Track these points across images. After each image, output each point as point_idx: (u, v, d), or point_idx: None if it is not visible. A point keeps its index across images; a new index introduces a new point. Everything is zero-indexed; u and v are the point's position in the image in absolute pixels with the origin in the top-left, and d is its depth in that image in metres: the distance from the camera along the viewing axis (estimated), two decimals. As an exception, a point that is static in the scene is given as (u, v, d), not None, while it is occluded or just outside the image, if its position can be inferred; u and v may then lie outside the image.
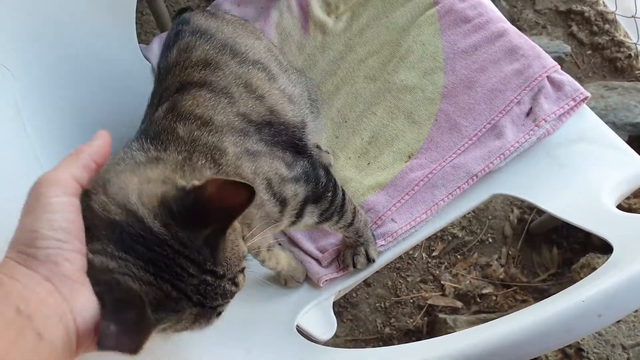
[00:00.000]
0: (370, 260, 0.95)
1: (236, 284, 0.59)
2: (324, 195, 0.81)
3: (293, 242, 1.04)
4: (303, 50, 1.22)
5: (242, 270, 0.60)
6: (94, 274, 0.51)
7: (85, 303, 0.49)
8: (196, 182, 0.54)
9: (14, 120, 0.83)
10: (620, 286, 0.56)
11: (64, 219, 0.51)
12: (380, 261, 0.97)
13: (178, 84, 0.75)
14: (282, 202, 0.74)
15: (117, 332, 0.47)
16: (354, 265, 0.95)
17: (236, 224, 0.60)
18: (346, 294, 1.45)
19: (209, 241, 0.55)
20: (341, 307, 1.49)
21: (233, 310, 0.75)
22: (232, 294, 0.59)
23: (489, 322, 0.63)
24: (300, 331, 0.90)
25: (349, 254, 0.95)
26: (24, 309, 0.46)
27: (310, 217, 0.81)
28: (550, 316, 0.56)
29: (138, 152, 0.64)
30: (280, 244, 1.04)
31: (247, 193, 0.53)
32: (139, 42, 1.25)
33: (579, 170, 0.91)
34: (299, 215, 0.78)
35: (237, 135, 0.71)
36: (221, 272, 0.56)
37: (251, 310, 0.82)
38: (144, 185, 0.57)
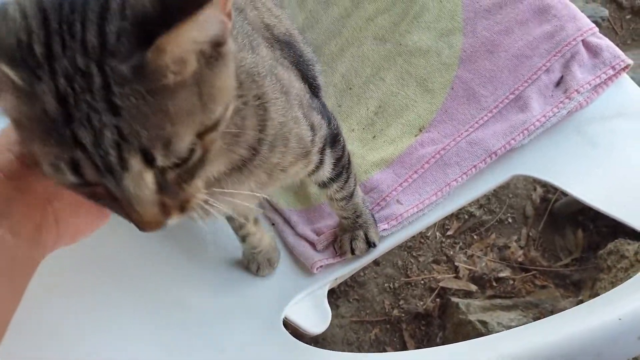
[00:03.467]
0: (370, 245, 0.89)
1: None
2: (338, 138, 0.78)
3: (287, 223, 0.98)
4: (304, 7, 1.15)
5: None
6: None
7: None
8: None
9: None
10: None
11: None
12: (382, 247, 0.92)
13: None
14: (312, 128, 0.69)
15: None
16: (352, 252, 0.89)
17: None
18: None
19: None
20: (347, 286, 1.47)
21: (205, 300, 0.67)
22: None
23: (483, 338, 0.53)
24: (289, 324, 0.86)
25: (346, 239, 0.89)
26: None
27: (328, 163, 0.76)
28: (571, 336, 0.46)
29: None
30: (273, 224, 0.98)
31: None
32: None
33: (615, 151, 0.86)
34: (321, 160, 0.73)
35: (265, 41, 0.68)
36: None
37: (228, 300, 0.75)
38: None
